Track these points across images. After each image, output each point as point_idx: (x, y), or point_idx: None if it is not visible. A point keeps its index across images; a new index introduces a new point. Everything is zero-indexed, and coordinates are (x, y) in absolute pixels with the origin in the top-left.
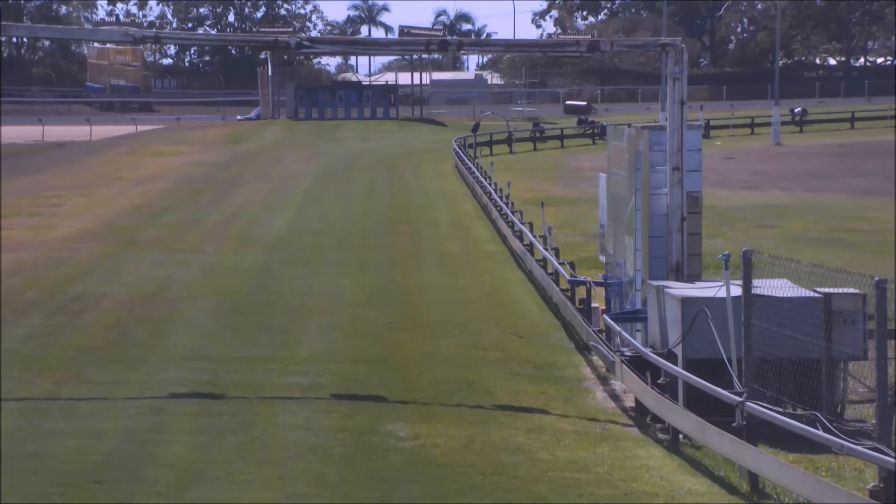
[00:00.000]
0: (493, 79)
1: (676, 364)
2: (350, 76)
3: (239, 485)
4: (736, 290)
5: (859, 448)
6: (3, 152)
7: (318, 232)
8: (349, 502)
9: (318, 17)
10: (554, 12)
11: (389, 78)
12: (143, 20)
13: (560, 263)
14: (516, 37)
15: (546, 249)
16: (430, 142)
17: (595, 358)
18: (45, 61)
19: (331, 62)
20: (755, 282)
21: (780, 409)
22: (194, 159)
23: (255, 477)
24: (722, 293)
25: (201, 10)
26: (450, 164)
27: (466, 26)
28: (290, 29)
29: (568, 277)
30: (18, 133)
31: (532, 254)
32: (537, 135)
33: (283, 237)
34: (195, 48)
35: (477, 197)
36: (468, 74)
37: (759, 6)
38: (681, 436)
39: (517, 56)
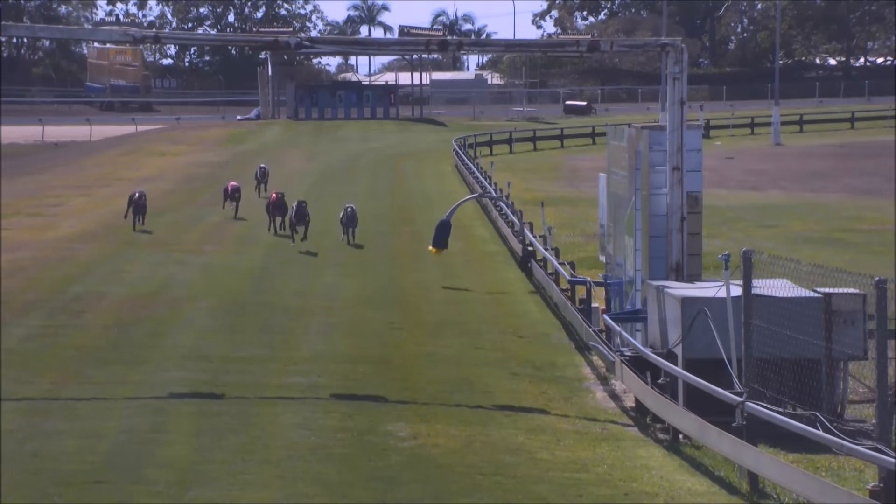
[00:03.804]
0: (493, 79)
1: (676, 364)
2: (350, 76)
3: (239, 485)
4: (736, 290)
5: (859, 448)
6: (3, 152)
7: (318, 232)
8: (349, 502)
9: (318, 17)
10: (554, 12)
11: (389, 78)
12: (143, 20)
13: (560, 263)
14: (516, 37)
15: (546, 249)
16: (430, 142)
17: (595, 358)
18: (45, 61)
19: (331, 62)
20: (755, 282)
21: (780, 409)
22: (194, 159)
23: (255, 477)
24: (722, 293)
25: (201, 10)
26: (450, 164)
27: (466, 26)
28: (290, 29)
29: (568, 277)
30: (18, 133)
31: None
32: None
33: (284, 237)
34: (195, 48)
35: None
36: (468, 74)
37: (759, 6)
38: (681, 436)
39: (517, 56)
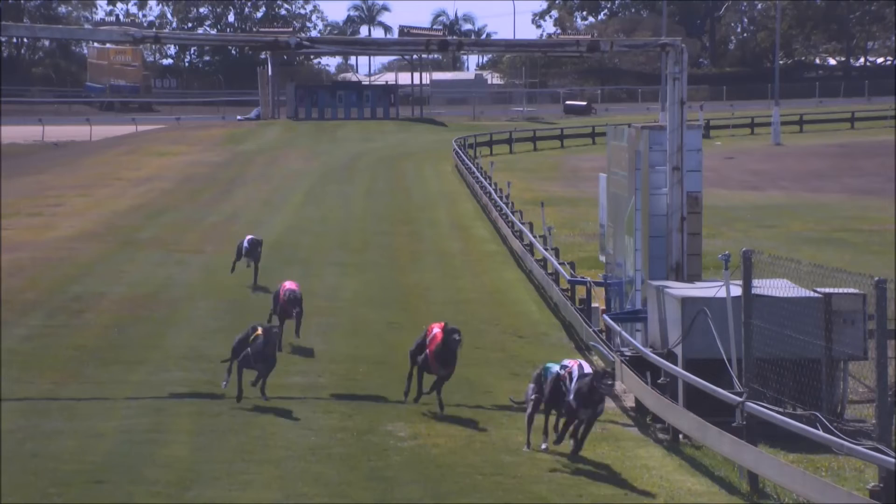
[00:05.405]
0: (493, 79)
1: (676, 364)
2: (350, 76)
3: (239, 485)
4: (736, 290)
5: (859, 448)
6: (3, 152)
7: (318, 232)
8: (349, 502)
9: (318, 17)
10: (554, 12)
11: (389, 78)
12: (143, 20)
13: (560, 263)
14: (516, 37)
15: (546, 249)
16: (430, 142)
17: (595, 358)
18: (45, 61)
19: (331, 62)
20: (755, 282)
21: (780, 409)
22: (194, 159)
23: (255, 477)
24: (722, 293)
25: (201, 10)
26: (450, 164)
27: (466, 26)
28: (290, 29)
29: (568, 277)
30: (18, 133)
31: (532, 254)
32: None
33: (283, 237)
34: (195, 48)
35: (477, 197)
36: (468, 74)
37: (759, 6)
38: (681, 436)
39: (517, 56)
